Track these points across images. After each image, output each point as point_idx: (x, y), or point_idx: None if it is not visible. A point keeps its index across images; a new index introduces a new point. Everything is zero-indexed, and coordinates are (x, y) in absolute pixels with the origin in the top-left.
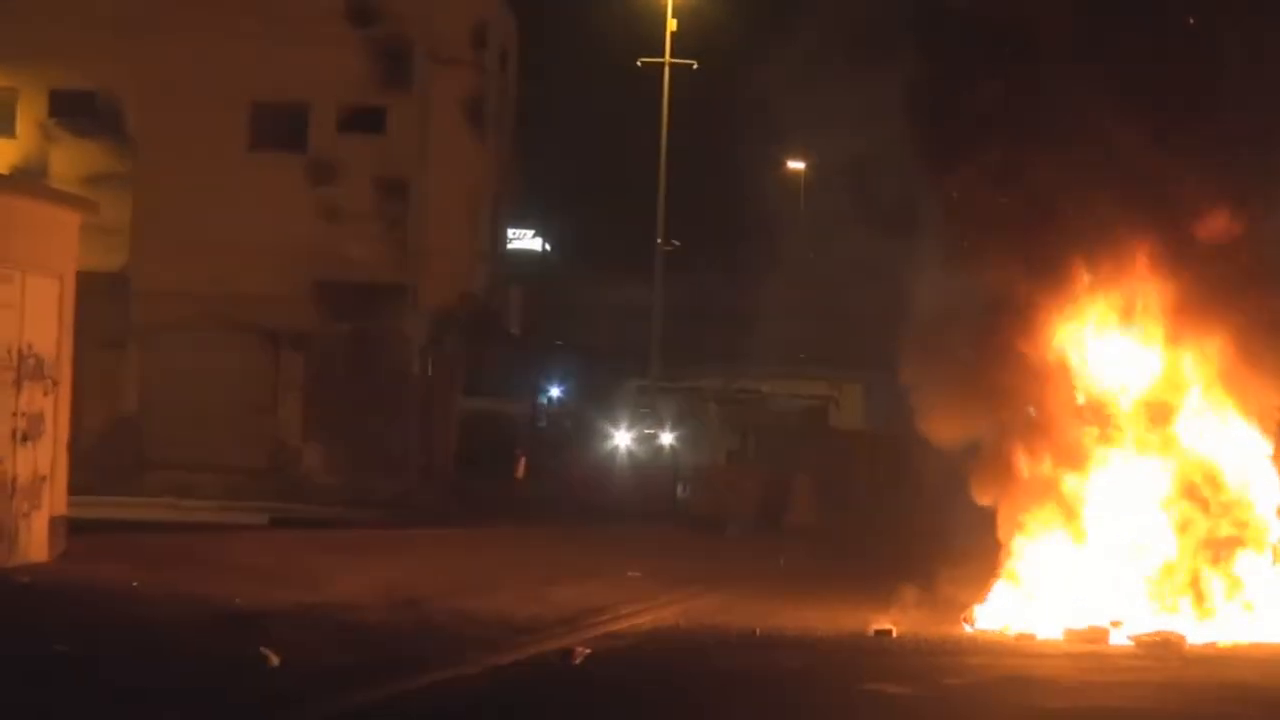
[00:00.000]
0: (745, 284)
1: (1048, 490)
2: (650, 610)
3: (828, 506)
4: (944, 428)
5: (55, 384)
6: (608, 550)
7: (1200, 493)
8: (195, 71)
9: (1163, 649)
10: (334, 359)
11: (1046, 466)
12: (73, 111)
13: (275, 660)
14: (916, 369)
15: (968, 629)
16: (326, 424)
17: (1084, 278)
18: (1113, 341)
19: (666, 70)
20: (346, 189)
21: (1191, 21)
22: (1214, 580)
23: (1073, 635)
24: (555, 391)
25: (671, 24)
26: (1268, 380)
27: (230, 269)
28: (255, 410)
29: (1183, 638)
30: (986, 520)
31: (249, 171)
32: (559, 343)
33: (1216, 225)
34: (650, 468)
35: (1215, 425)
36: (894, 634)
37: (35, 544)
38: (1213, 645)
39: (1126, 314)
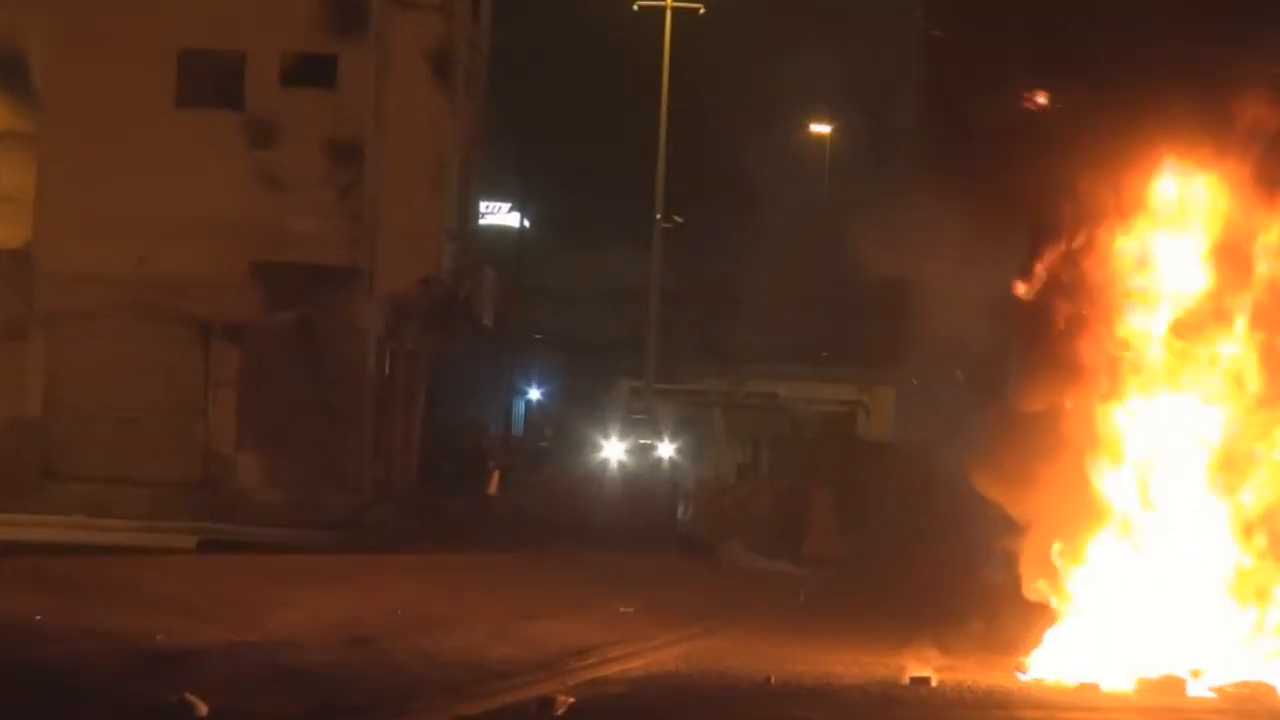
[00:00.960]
0: (758, 268)
1: (1116, 514)
2: (645, 652)
3: (854, 530)
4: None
5: None
6: (596, 580)
7: None
8: (112, 13)
9: (1251, 703)
10: (275, 353)
11: (1114, 485)
12: None
13: (203, 709)
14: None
15: (1021, 677)
16: (266, 430)
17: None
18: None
19: (668, 15)
20: (290, 153)
21: None
22: None
23: (1145, 686)
24: (534, 393)
25: None
26: None
27: (153, 247)
28: (182, 413)
29: (1273, 690)
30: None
31: (175, 132)
32: (539, 336)
33: None
34: (646, 484)
35: None
36: (933, 683)
37: None
38: None
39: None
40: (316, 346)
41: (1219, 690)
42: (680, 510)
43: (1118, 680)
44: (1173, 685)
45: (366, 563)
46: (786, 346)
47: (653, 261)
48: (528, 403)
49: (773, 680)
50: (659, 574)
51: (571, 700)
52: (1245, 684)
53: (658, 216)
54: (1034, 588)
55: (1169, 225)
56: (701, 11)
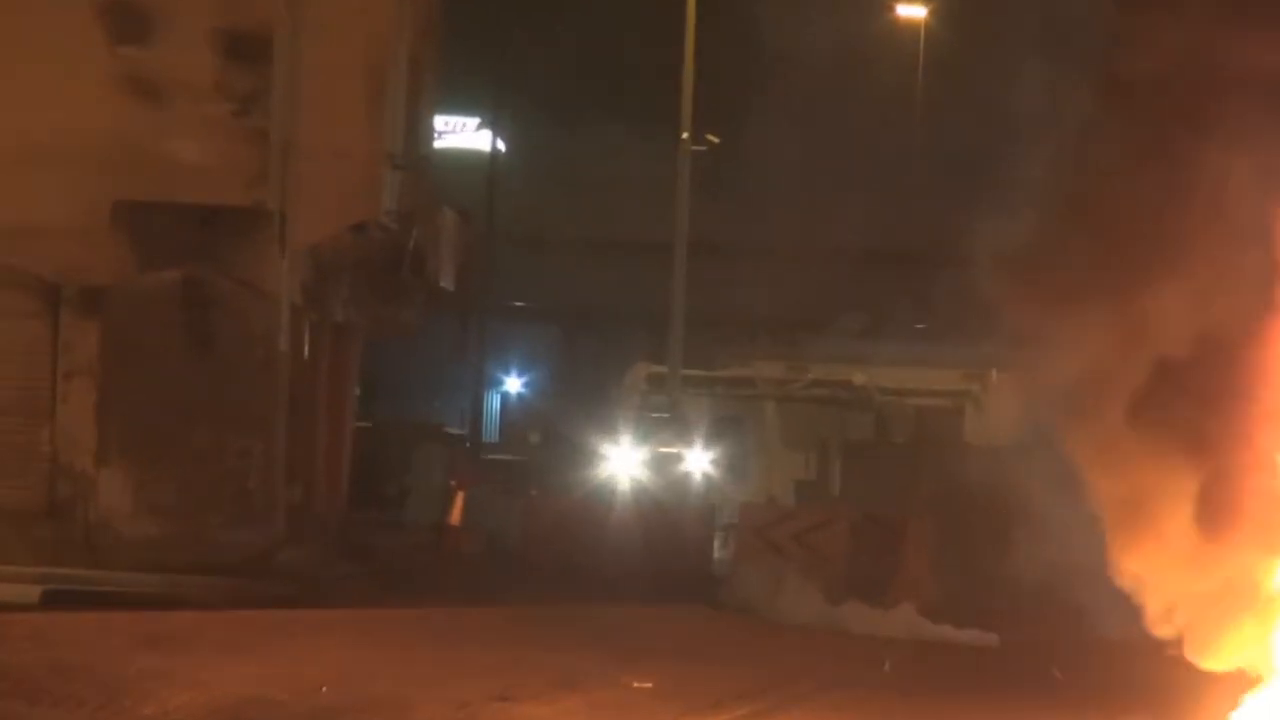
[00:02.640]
0: (823, 209)
1: None
2: None
3: (961, 571)
4: None
5: None
6: (599, 644)
7: None
8: None
9: None
10: (150, 329)
11: None
12: None
13: None
14: None
15: None
16: (138, 437)
17: None
18: None
19: None
20: (169, 51)
21: None
22: None
23: None
24: (515, 384)
25: None
26: None
27: None
28: (19, 414)
29: None
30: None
31: (10, 22)
32: (520, 305)
33: None
34: (670, 509)
35: None
36: None
37: None
38: None
39: None
40: (208, 320)
41: None
42: (717, 546)
43: None
44: None
45: (278, 622)
46: (866, 315)
47: (678, 200)
48: (505, 397)
49: None
50: (687, 636)
51: None
52: None
53: (683, 136)
54: (1202, 647)
55: None
56: None
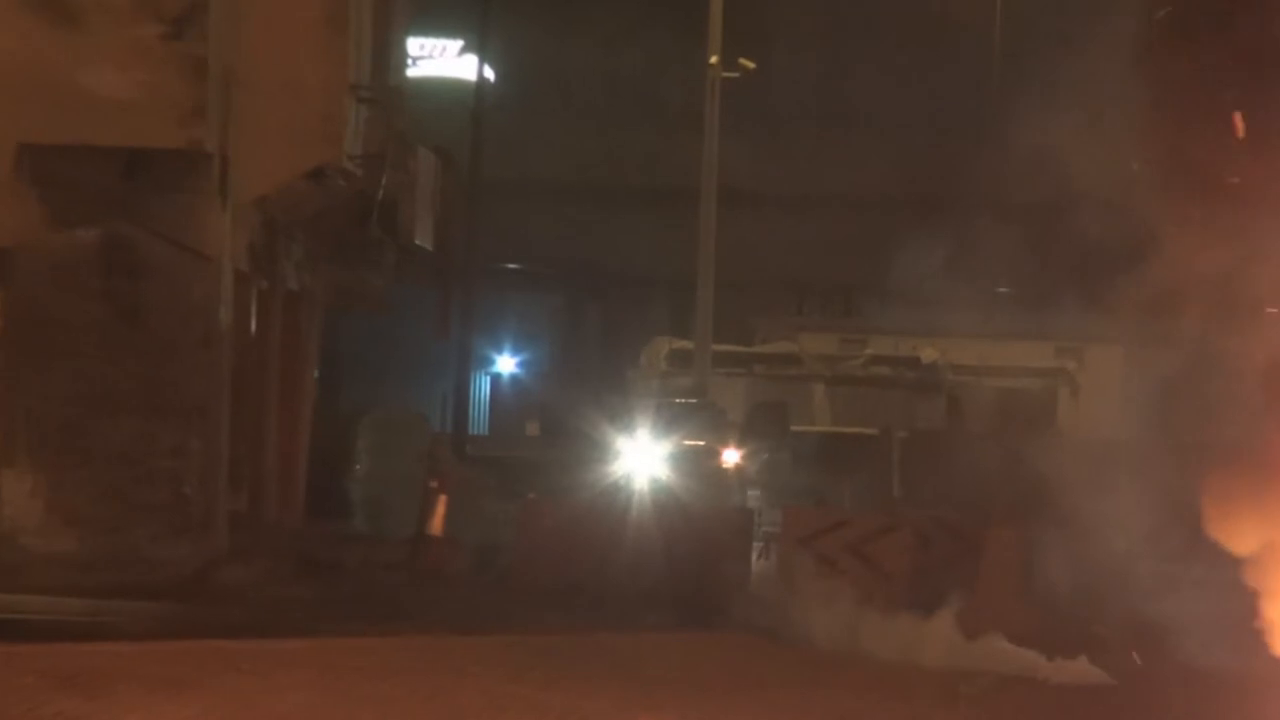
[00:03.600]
0: (885, 150)
1: None
2: None
3: (1056, 591)
4: None
5: None
6: (610, 680)
7: None
8: None
9: None
10: (63, 299)
11: None
12: None
13: None
14: None
15: None
16: (48, 431)
17: None
18: None
19: None
20: None
21: None
22: None
23: None
24: (507, 364)
25: None
26: None
27: None
28: None
29: None
30: None
31: None
32: (513, 266)
33: None
34: (697, 514)
35: None
36: None
37: None
38: None
39: None
40: (134, 288)
41: None
42: (754, 559)
43: None
44: None
45: (222, 655)
46: (936, 281)
47: (707, 137)
48: (496, 380)
49: None
50: (718, 670)
51: None
52: None
53: (712, 60)
54: None
55: None
56: None
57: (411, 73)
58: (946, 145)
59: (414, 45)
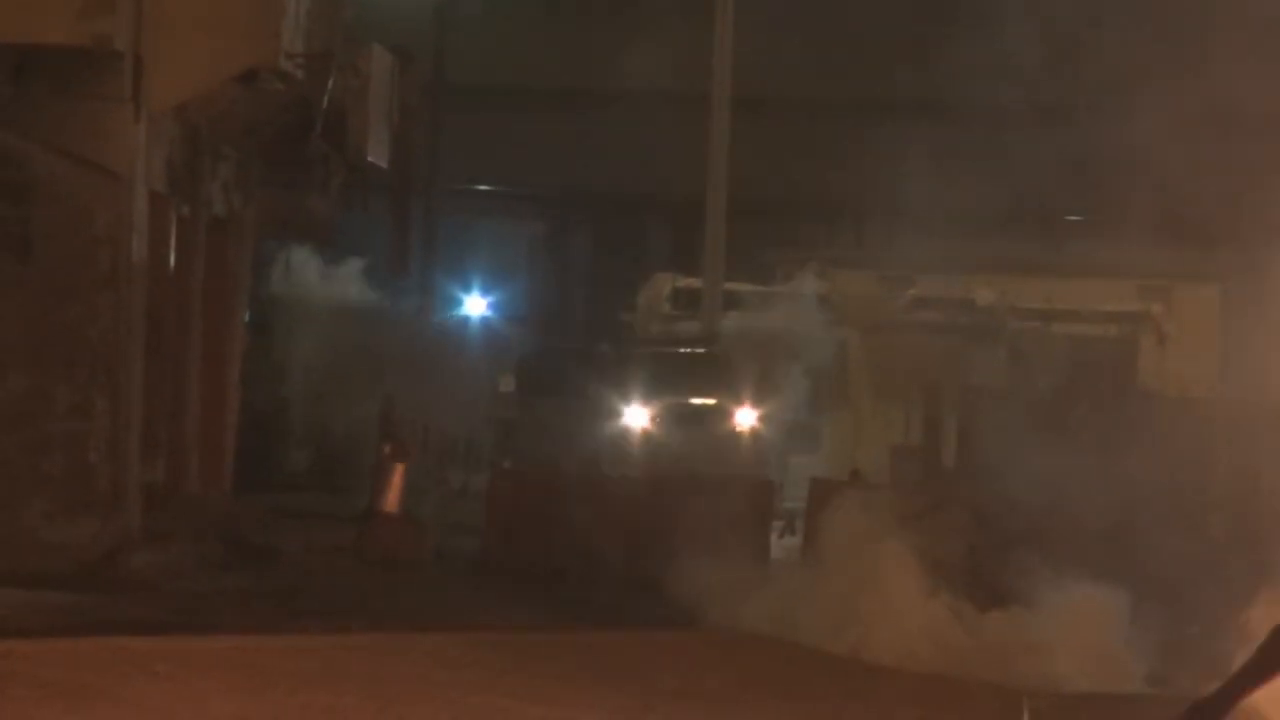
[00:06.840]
0: (926, 45)
1: None
2: None
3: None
4: None
5: None
6: (601, 686)
7: None
8: None
9: None
10: None
11: None
12: None
13: None
14: None
15: None
16: None
17: None
18: None
19: None
20: None
21: None
22: None
23: None
24: (477, 305)
25: None
26: None
27: None
28: None
29: None
30: None
31: None
32: (485, 188)
33: None
34: (706, 485)
35: None
36: None
37: None
38: None
39: None
40: (24, 215)
41: None
42: (776, 534)
43: None
44: None
45: (135, 656)
46: (993, 207)
47: (719, 32)
48: (464, 323)
49: None
50: (732, 673)
51: None
52: None
53: None
54: None
55: None
56: None
57: None
58: (1012, 43)
59: None
